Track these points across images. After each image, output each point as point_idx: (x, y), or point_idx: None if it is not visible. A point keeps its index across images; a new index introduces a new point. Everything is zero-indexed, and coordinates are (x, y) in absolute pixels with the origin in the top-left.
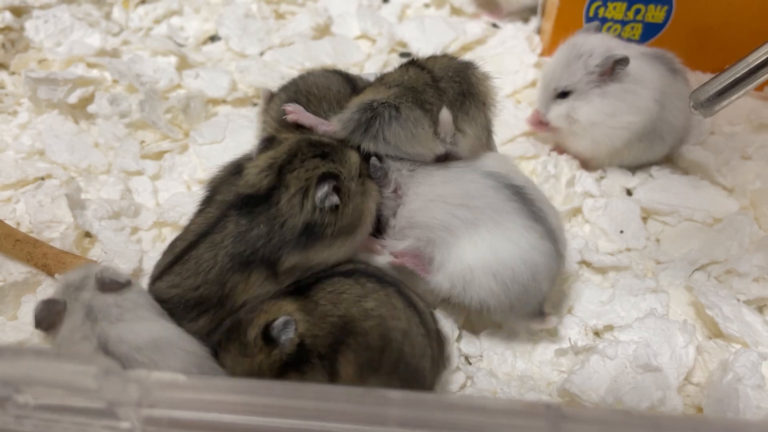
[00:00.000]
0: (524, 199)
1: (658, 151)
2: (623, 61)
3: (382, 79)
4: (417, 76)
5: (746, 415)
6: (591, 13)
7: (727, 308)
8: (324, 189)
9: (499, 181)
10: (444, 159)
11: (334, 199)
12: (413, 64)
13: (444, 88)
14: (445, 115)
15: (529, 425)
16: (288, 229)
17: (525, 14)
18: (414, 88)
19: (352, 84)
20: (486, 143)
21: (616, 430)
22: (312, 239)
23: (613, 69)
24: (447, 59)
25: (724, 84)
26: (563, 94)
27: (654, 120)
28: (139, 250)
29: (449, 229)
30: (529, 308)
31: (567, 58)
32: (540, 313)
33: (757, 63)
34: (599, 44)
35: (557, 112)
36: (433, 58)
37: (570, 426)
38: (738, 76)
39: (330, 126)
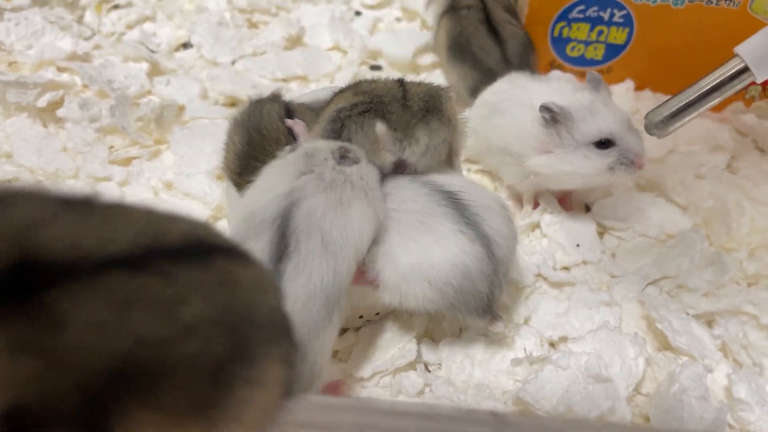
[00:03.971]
0: (457, 204)
1: None
2: None
3: (359, 85)
4: (390, 89)
5: (690, 425)
6: (555, 33)
7: (676, 322)
8: None
9: (432, 188)
10: (400, 167)
11: None
12: (397, 81)
13: (410, 105)
14: (379, 127)
15: None
16: None
17: None
18: (381, 98)
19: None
20: (448, 161)
21: None
22: None
23: None
24: (425, 85)
25: (677, 107)
26: (606, 144)
27: None
28: None
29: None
30: (470, 307)
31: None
32: (487, 312)
33: (708, 88)
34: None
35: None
36: (417, 83)
37: None
38: (690, 99)
39: (308, 137)
